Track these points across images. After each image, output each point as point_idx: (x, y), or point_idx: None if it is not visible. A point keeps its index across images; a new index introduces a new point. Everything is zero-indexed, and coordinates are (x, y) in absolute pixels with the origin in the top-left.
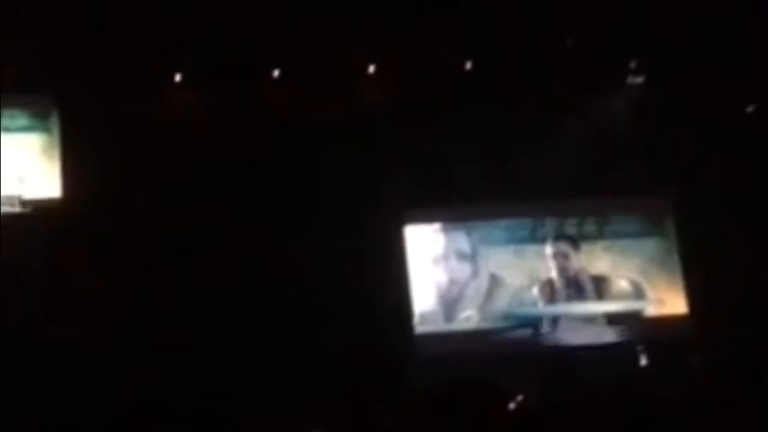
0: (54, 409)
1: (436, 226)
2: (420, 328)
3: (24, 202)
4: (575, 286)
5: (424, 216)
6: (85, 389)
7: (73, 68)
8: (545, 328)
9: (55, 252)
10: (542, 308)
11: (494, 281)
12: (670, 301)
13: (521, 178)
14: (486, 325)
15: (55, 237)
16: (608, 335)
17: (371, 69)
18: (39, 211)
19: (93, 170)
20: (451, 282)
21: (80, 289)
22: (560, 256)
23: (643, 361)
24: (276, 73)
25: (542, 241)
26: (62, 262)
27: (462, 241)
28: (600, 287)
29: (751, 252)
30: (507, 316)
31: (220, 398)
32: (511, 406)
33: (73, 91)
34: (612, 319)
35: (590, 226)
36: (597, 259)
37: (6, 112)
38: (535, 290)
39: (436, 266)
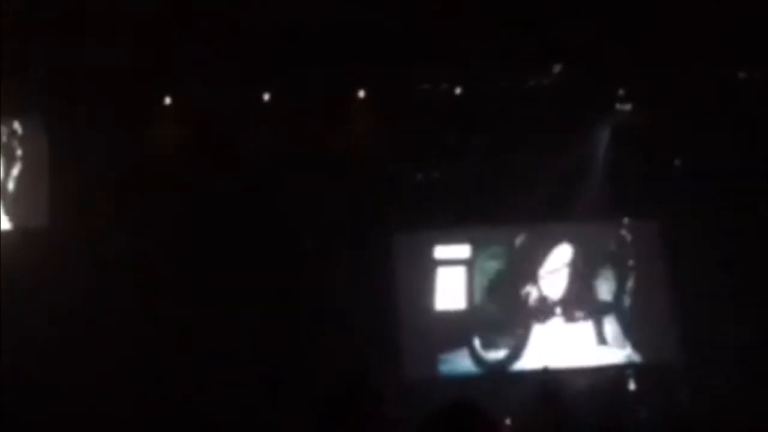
0: None
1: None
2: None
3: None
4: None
5: (412, 239)
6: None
7: (61, 93)
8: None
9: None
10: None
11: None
12: None
13: (508, 204)
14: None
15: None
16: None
17: (361, 94)
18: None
19: (80, 197)
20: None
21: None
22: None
23: (632, 385)
24: (266, 97)
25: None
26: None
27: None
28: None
29: (738, 277)
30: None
31: (208, 418)
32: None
33: (61, 116)
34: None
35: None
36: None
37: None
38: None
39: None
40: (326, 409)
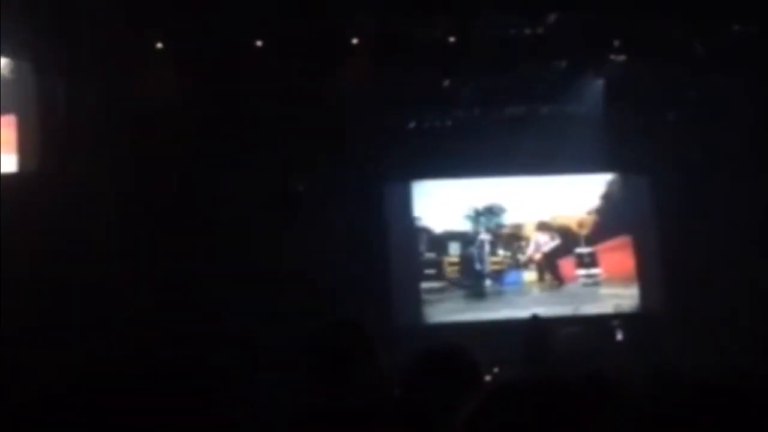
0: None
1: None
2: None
3: None
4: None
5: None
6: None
7: (52, 38)
8: None
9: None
10: None
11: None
12: None
13: (499, 154)
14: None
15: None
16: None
17: (355, 41)
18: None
19: (72, 141)
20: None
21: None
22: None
23: (619, 335)
24: (259, 43)
25: None
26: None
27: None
28: None
29: (727, 232)
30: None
31: (197, 364)
32: (487, 378)
33: (52, 61)
34: None
35: None
36: None
37: None
38: None
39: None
40: (315, 353)
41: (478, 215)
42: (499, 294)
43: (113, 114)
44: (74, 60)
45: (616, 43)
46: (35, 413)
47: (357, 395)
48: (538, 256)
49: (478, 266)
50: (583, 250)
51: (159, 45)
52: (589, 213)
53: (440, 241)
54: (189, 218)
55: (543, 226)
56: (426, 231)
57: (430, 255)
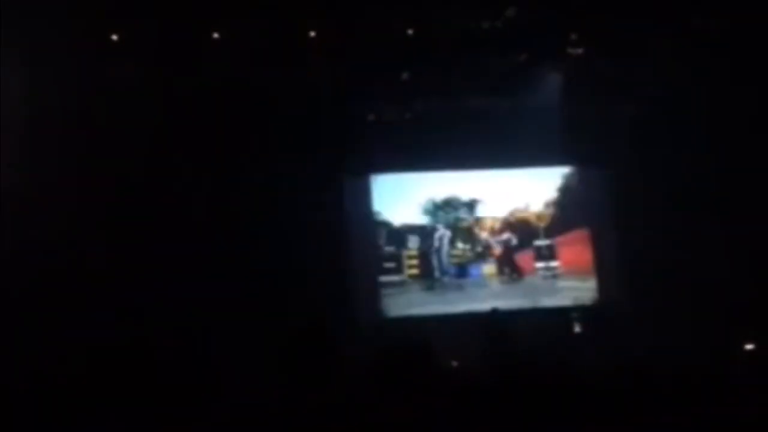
0: None
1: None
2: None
3: None
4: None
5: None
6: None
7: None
8: None
9: None
10: None
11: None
12: None
13: (459, 147)
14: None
15: None
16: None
17: (312, 34)
18: None
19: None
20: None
21: None
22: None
23: (577, 327)
24: (216, 35)
25: None
26: None
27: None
28: None
29: (686, 225)
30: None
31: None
32: (445, 370)
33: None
34: None
35: None
36: None
37: None
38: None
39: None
40: (283, 351)
41: (436, 209)
42: (458, 287)
43: (69, 107)
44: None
45: (574, 36)
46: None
47: (320, 390)
48: (497, 250)
49: (436, 260)
50: (541, 242)
51: (114, 37)
52: (548, 206)
53: (400, 235)
54: (151, 210)
55: (502, 221)
56: (385, 225)
57: (390, 248)
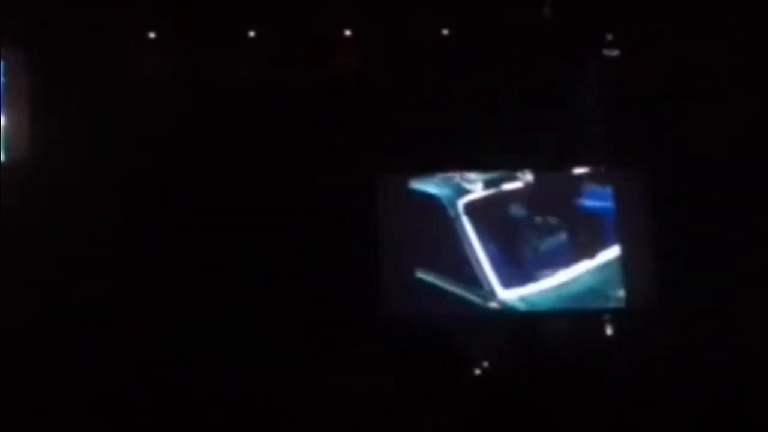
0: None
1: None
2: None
3: None
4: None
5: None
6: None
7: (46, 24)
8: None
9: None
10: None
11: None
12: None
13: (493, 148)
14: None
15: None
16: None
17: (347, 33)
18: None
19: (63, 130)
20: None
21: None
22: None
23: (609, 330)
24: (251, 34)
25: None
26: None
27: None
28: None
29: (722, 228)
30: None
31: (188, 351)
32: (477, 371)
33: (45, 47)
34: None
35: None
36: None
37: None
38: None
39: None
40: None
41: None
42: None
43: (104, 104)
44: (65, 48)
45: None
46: None
47: (349, 378)
48: None
49: None
50: None
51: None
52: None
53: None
54: (175, 204)
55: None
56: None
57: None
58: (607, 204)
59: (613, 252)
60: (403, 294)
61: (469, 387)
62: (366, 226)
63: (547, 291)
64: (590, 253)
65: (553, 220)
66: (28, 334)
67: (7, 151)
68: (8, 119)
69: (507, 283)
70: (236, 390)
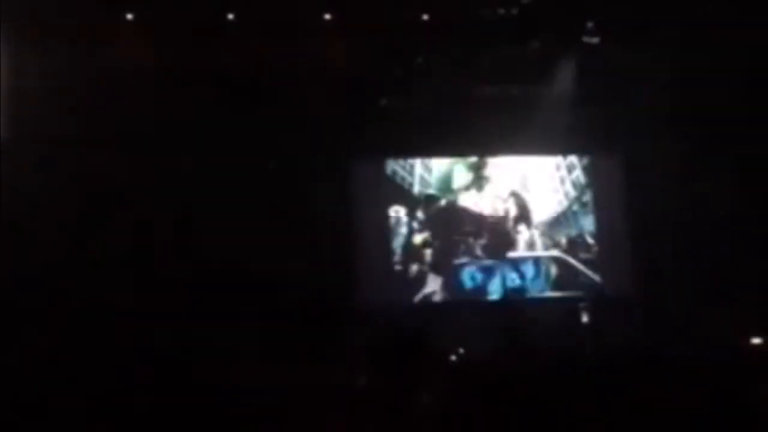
0: None
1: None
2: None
3: None
4: None
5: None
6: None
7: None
8: None
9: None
10: None
11: None
12: None
13: (471, 134)
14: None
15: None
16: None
17: (327, 17)
18: None
19: (36, 112)
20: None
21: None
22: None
23: (585, 317)
24: (231, 16)
25: None
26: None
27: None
28: None
29: (698, 217)
30: None
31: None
32: (452, 358)
33: (20, 28)
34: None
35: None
36: None
37: None
38: None
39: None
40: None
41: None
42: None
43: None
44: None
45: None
46: None
47: (325, 375)
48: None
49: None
50: None
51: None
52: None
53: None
54: (160, 191)
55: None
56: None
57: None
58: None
59: None
60: (379, 282)
61: (446, 373)
62: (340, 211)
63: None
64: None
65: None
66: None
67: None
68: None
69: None
70: (209, 384)
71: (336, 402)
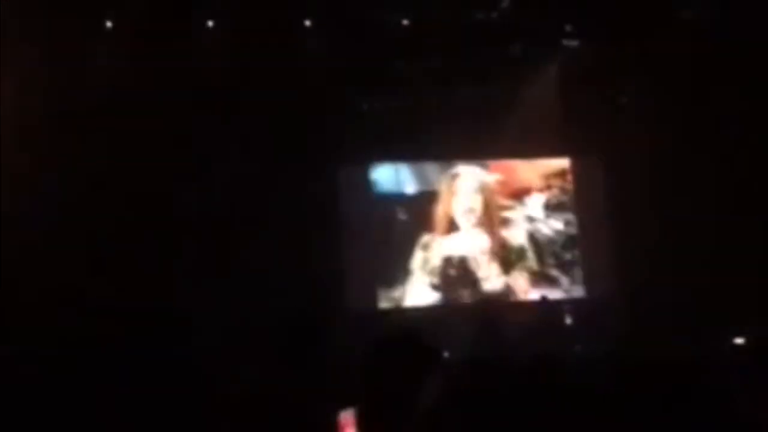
0: None
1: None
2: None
3: None
4: None
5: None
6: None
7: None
8: None
9: None
10: None
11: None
12: None
13: (450, 137)
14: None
15: None
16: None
17: (307, 23)
18: None
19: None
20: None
21: None
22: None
23: (568, 319)
24: (210, 23)
25: None
26: None
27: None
28: None
29: (679, 218)
30: None
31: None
32: (439, 359)
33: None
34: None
35: None
36: None
37: None
38: None
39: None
40: (278, 338)
41: None
42: None
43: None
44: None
45: (569, 27)
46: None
47: (318, 379)
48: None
49: None
50: None
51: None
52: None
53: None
54: (144, 196)
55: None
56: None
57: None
58: None
59: None
60: (366, 286)
61: (436, 376)
62: (328, 216)
63: None
64: None
65: None
66: None
67: None
68: None
69: None
70: (197, 387)
71: (324, 406)
